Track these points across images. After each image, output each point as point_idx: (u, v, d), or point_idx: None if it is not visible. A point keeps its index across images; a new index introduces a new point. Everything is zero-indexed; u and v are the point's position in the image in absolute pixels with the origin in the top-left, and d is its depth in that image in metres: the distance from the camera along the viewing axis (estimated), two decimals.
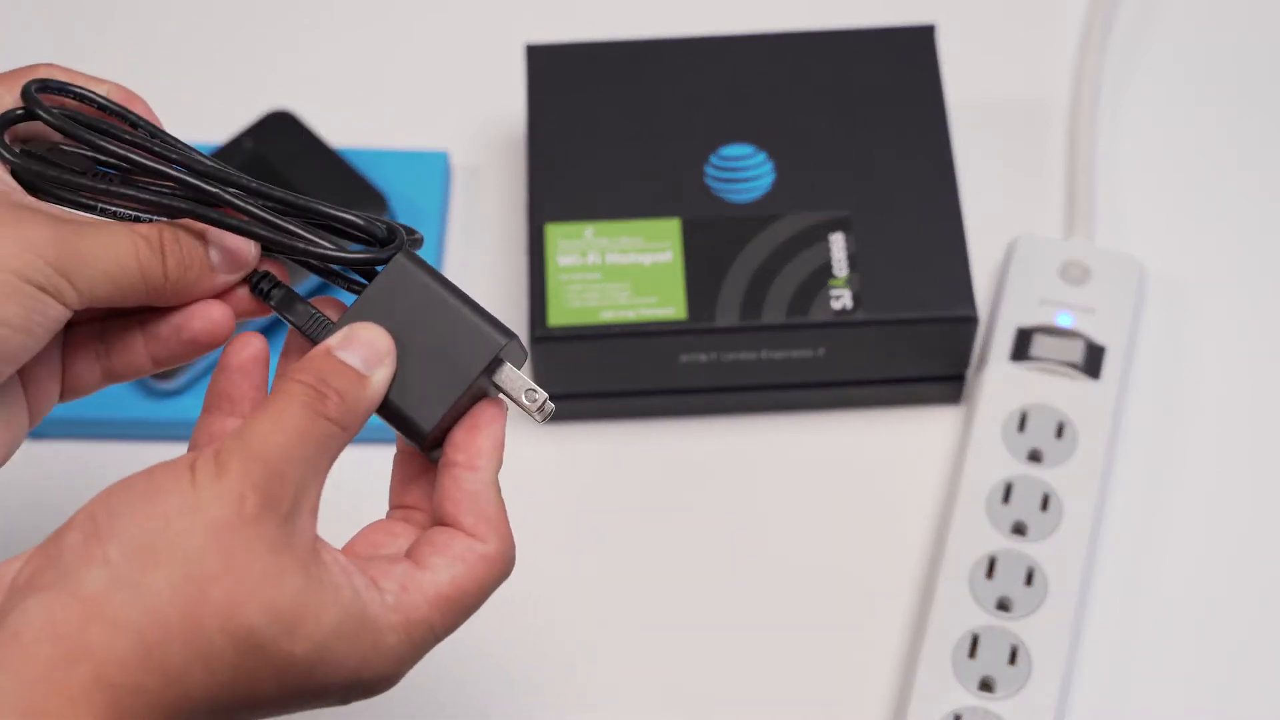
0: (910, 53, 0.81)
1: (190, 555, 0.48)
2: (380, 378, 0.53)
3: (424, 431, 0.54)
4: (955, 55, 0.83)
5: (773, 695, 0.72)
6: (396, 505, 0.57)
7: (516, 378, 0.55)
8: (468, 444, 0.54)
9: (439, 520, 0.54)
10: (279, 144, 0.82)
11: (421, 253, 0.80)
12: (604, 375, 0.77)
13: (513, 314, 0.81)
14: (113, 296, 0.55)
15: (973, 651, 0.70)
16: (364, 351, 0.53)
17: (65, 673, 0.46)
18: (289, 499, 0.50)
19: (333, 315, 0.55)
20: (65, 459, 0.78)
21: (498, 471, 0.55)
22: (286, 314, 0.55)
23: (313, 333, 0.55)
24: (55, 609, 0.47)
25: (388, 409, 0.54)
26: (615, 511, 0.77)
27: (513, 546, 0.54)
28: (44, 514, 0.77)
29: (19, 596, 0.48)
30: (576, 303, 0.75)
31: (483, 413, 0.55)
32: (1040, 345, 0.76)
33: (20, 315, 0.52)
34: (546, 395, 0.55)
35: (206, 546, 0.48)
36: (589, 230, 0.77)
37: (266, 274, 0.56)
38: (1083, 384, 0.76)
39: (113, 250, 0.54)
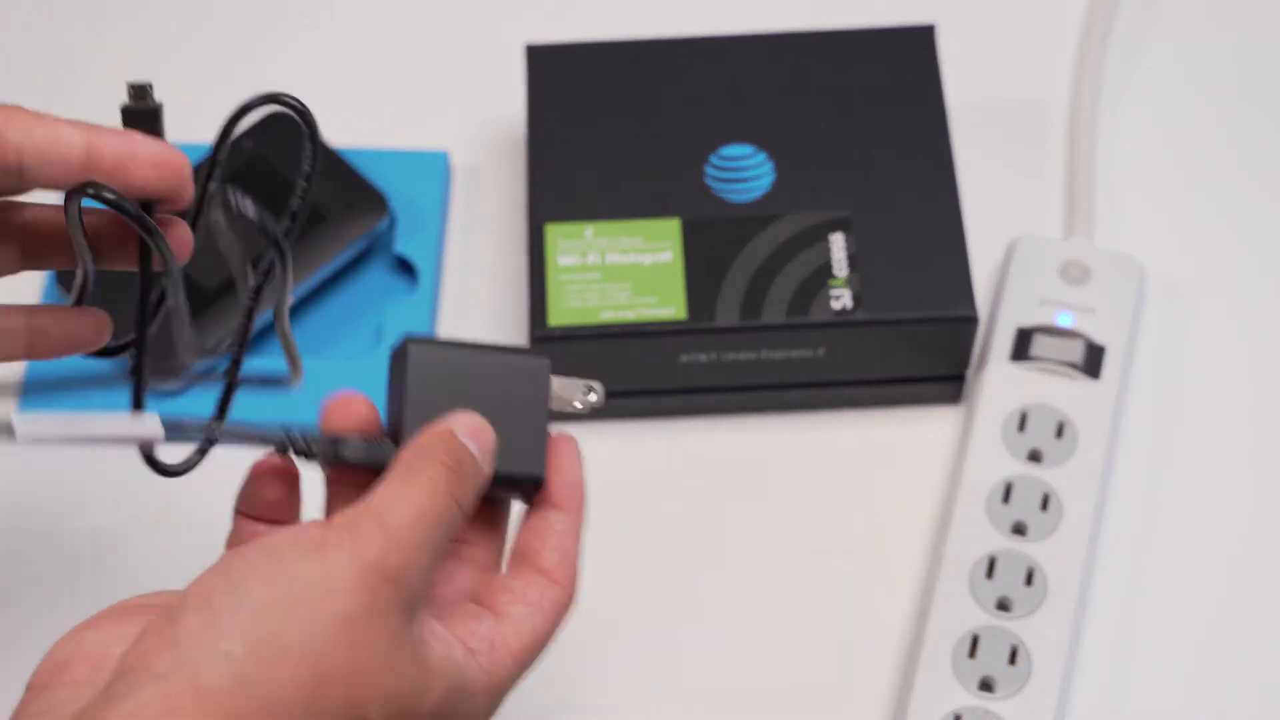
0: (910, 53, 0.81)
1: (317, 651, 0.47)
2: (491, 465, 0.53)
3: (540, 479, 0.55)
4: (955, 55, 0.83)
5: (773, 694, 0.72)
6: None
7: (568, 385, 0.56)
8: (558, 485, 0.55)
9: (519, 555, 0.55)
10: (279, 144, 0.82)
11: (422, 252, 0.81)
12: (604, 375, 0.76)
13: (513, 314, 0.81)
14: None
15: (973, 651, 0.70)
16: (480, 441, 0.53)
17: None
18: (417, 589, 0.49)
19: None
20: (65, 459, 0.78)
21: (581, 513, 0.55)
22: (342, 455, 0.54)
23: (378, 457, 0.54)
24: (173, 700, 0.45)
25: (496, 480, 0.54)
26: (615, 511, 0.77)
27: (576, 592, 0.55)
28: (44, 514, 0.78)
29: (133, 678, 0.46)
30: (576, 303, 0.75)
31: (562, 452, 0.55)
32: (1040, 345, 0.76)
33: None
34: (601, 386, 0.56)
35: (333, 640, 0.47)
36: (589, 230, 0.77)
37: (290, 433, 0.54)
38: (1083, 384, 0.76)
39: None
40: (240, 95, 0.86)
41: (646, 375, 0.77)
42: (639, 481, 0.78)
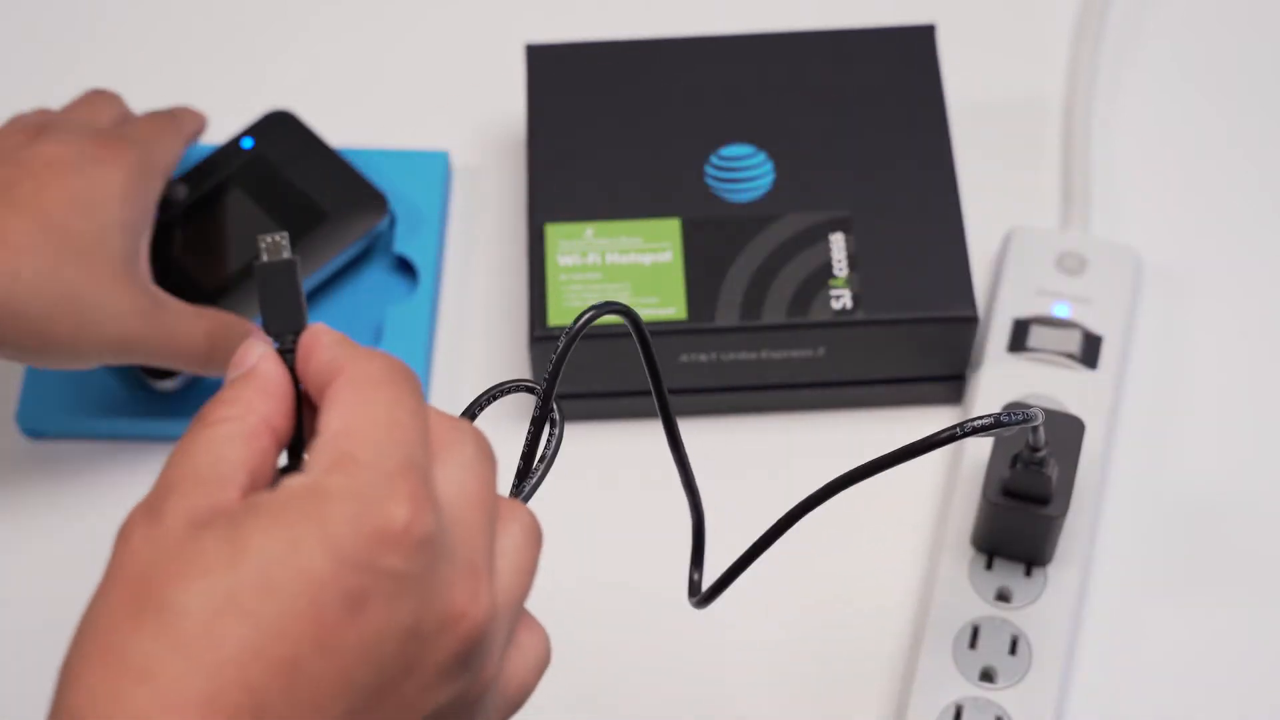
0: (910, 53, 0.81)
1: None
2: None
3: None
4: (955, 55, 0.83)
5: (774, 689, 0.72)
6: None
7: None
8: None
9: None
10: (279, 144, 0.82)
11: (422, 252, 0.81)
12: (604, 375, 0.77)
13: (513, 314, 0.81)
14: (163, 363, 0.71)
15: (973, 642, 0.70)
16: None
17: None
18: None
19: None
20: (65, 459, 0.78)
21: None
22: None
23: None
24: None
25: None
26: (615, 511, 0.77)
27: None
28: (44, 514, 0.78)
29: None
30: (576, 303, 0.75)
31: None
32: (1037, 336, 0.76)
33: (89, 359, 0.70)
34: None
35: None
36: (589, 230, 0.77)
37: None
38: (1080, 374, 0.76)
39: (186, 333, 0.71)
40: (241, 96, 0.86)
41: (646, 375, 0.77)
42: (639, 481, 0.78)
